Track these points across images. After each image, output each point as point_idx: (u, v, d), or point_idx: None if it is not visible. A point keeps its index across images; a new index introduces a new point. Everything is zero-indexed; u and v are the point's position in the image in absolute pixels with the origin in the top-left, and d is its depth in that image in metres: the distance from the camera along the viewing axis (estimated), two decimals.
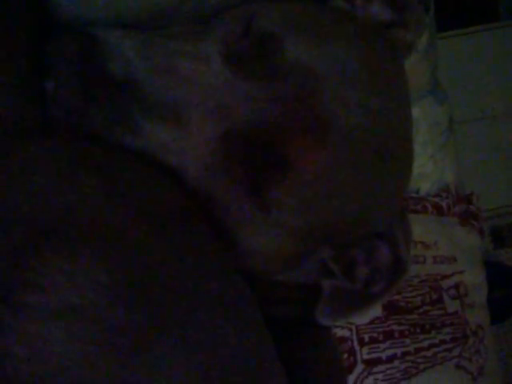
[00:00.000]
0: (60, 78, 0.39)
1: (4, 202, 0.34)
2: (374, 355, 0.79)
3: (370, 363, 0.78)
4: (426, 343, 0.81)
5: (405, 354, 0.80)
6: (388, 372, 0.78)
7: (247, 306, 0.40)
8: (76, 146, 0.39)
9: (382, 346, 0.79)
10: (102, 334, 0.32)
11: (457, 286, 0.88)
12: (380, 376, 0.78)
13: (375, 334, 0.79)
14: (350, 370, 0.77)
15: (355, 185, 0.41)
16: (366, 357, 0.79)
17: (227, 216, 0.41)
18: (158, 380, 0.33)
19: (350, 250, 0.46)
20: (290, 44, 0.40)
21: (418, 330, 0.81)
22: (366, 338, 0.79)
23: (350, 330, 0.79)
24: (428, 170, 0.93)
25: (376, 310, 0.78)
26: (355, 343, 0.79)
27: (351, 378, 0.77)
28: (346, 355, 0.78)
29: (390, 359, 0.79)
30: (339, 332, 0.78)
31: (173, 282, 0.35)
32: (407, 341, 0.80)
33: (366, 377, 0.78)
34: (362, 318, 0.77)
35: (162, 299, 0.34)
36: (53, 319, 0.31)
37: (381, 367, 0.78)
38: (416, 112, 0.93)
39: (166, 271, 0.35)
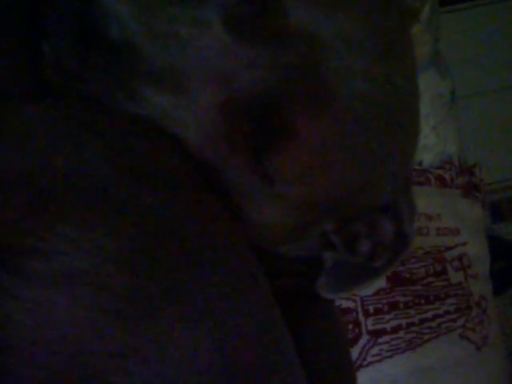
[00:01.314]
0: (55, 39, 0.38)
1: (2, 163, 0.33)
2: (379, 326, 0.79)
3: (375, 334, 0.79)
4: (430, 314, 0.81)
5: (409, 324, 0.80)
6: (393, 342, 0.79)
7: (258, 278, 0.40)
8: (77, 108, 0.38)
9: (387, 316, 0.80)
10: (107, 300, 0.31)
11: (460, 258, 0.88)
12: (385, 347, 0.78)
13: (380, 305, 0.80)
14: (355, 341, 0.78)
15: (359, 155, 0.40)
16: (370, 328, 0.79)
17: (229, 187, 0.40)
18: (167, 347, 0.32)
19: (352, 223, 0.45)
20: (294, 9, 0.38)
21: (423, 301, 0.82)
22: (371, 309, 0.79)
23: (355, 301, 0.79)
24: (430, 141, 0.93)
25: (380, 282, 0.79)
26: (360, 314, 0.79)
27: (356, 349, 0.77)
28: (350, 326, 0.78)
29: (395, 330, 0.79)
30: (344, 303, 0.78)
31: (180, 250, 0.35)
32: (412, 312, 0.81)
33: (372, 347, 0.78)
34: (365, 290, 0.77)
35: (169, 266, 0.34)
36: (56, 285, 0.31)
37: (386, 338, 0.79)
38: None
39: (174, 238, 0.35)
